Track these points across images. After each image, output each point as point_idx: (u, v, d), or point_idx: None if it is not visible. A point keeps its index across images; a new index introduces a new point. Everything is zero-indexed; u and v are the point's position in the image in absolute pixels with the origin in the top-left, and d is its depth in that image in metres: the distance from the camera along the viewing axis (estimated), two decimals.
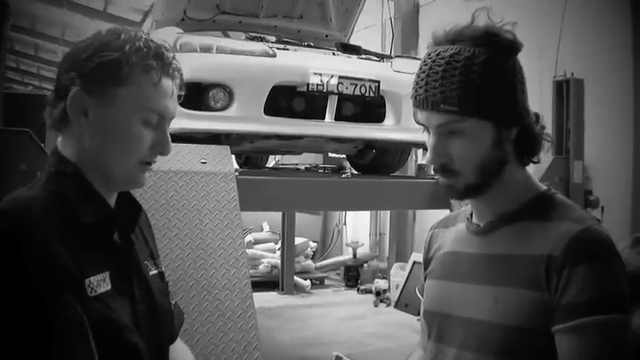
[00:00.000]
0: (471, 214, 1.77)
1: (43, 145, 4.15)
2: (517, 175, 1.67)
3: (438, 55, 1.60)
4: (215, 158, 4.29)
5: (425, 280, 1.89)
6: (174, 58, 1.59)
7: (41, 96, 5.54)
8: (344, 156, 7.38)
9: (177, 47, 4.62)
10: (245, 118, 4.74)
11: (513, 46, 1.61)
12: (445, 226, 1.92)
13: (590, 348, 1.45)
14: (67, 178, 1.53)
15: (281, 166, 9.87)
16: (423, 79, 1.62)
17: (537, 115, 1.69)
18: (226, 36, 5.50)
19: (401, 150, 6.32)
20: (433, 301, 1.80)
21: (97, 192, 1.56)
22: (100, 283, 1.46)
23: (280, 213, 12.12)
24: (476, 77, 1.55)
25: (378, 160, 6.49)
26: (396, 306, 10.30)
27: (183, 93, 1.64)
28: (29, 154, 3.91)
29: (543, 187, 1.71)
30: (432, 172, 1.72)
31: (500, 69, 1.58)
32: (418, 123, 1.67)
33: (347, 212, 14.43)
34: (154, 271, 1.73)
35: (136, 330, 1.54)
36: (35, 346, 1.32)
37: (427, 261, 1.91)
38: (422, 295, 1.91)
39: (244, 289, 3.78)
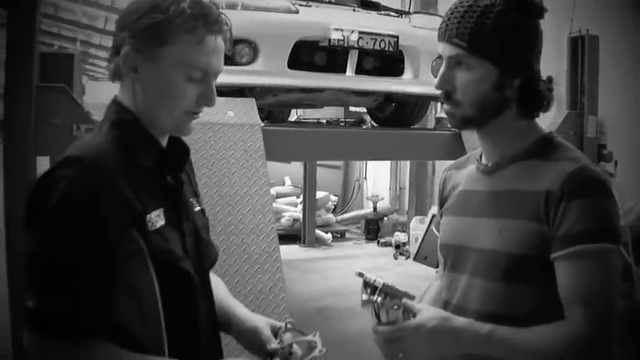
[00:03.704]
0: (481, 156, 1.96)
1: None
2: (520, 122, 1.85)
3: None
4: (241, 110, 4.42)
5: (440, 217, 2.08)
6: (220, 15, 1.72)
7: (69, 55, 5.68)
8: (364, 110, 7.50)
9: None
10: (269, 72, 4.88)
11: (534, 7, 1.78)
12: (457, 168, 2.10)
13: (585, 272, 1.64)
14: (126, 125, 1.69)
15: (303, 121, 9.98)
16: (447, 16, 1.82)
17: (550, 78, 1.86)
18: None
19: (419, 103, 6.43)
20: (448, 235, 1.99)
21: (153, 137, 1.73)
22: (157, 219, 1.65)
23: (302, 168, 12.28)
24: (489, 23, 1.74)
25: (398, 113, 6.61)
26: (415, 258, 10.52)
27: (230, 47, 1.77)
28: (64, 109, 4.05)
29: (545, 131, 1.89)
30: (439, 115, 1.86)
31: (514, 23, 1.75)
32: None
33: (367, 167, 14.56)
34: (198, 208, 1.90)
35: (187, 259, 1.75)
36: (105, 273, 1.52)
37: (442, 200, 2.10)
38: (437, 232, 2.10)
39: (270, 233, 3.97)
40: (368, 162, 14.60)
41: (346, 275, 9.34)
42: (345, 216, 14.10)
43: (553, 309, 1.68)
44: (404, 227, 12.10)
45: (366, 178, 14.88)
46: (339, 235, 13.18)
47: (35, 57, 3.97)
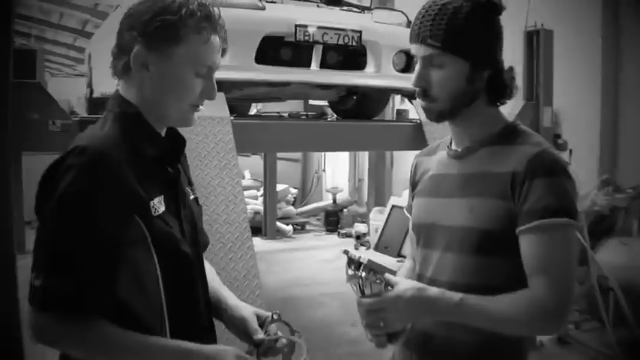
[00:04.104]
0: (450, 143, 2.15)
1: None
2: (489, 109, 2.04)
3: (434, 2, 1.98)
4: (211, 104, 4.51)
5: (413, 199, 2.26)
6: (220, 15, 1.86)
7: (32, 51, 5.70)
8: (325, 103, 7.64)
9: None
10: (237, 66, 4.96)
11: (495, 7, 1.98)
12: (428, 155, 2.29)
13: (547, 243, 1.83)
14: (130, 118, 1.82)
15: (263, 114, 10.06)
16: (419, 19, 2.00)
17: (511, 68, 2.06)
18: None
19: (380, 96, 6.62)
20: (421, 214, 2.17)
21: (155, 130, 1.87)
22: (159, 205, 1.79)
23: (261, 161, 12.38)
24: (459, 24, 1.92)
25: (359, 106, 6.78)
26: (376, 249, 10.65)
27: (226, 46, 1.91)
28: (40, 104, 4.17)
29: (510, 119, 2.09)
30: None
31: (480, 22, 1.95)
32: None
33: (326, 159, 14.71)
34: (192, 196, 2.04)
35: (186, 243, 1.88)
36: (108, 256, 1.65)
37: (414, 184, 2.29)
38: (409, 214, 2.29)
39: (242, 222, 4.12)
40: (326, 155, 14.78)
41: (309, 266, 9.55)
42: (305, 208, 14.26)
43: (521, 280, 1.86)
44: (363, 218, 12.30)
45: (324, 170, 15.05)
46: (299, 227, 13.35)
47: (10, 54, 4.00)
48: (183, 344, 1.72)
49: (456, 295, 1.87)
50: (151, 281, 1.75)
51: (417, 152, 2.40)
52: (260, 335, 1.97)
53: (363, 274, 1.88)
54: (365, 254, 1.92)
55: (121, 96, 1.87)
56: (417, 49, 2.01)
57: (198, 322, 1.93)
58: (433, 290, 1.90)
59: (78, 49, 24.87)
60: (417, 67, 2.01)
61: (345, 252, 1.93)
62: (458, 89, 1.97)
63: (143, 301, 1.73)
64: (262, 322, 2.03)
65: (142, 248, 1.73)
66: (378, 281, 1.88)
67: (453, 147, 2.13)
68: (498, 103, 2.06)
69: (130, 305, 1.70)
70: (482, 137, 2.04)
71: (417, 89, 2.03)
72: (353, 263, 1.91)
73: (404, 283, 1.91)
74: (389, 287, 1.89)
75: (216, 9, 1.85)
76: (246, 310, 2.06)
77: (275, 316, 2.04)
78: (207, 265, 2.11)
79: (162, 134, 1.92)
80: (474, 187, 1.99)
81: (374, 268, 1.89)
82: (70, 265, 1.60)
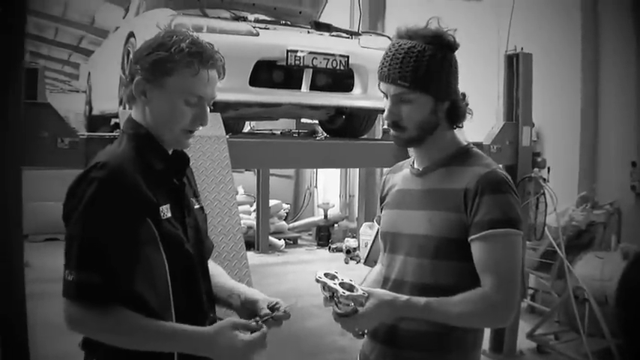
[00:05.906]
0: (413, 162, 2.46)
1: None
2: (446, 134, 2.36)
3: (400, 46, 2.27)
4: (208, 123, 4.78)
5: (381, 211, 2.58)
6: (214, 53, 2.14)
7: (34, 69, 5.92)
8: (316, 121, 7.94)
9: (172, 27, 5.09)
10: (233, 88, 5.25)
11: (452, 46, 2.29)
12: (394, 172, 2.61)
13: (494, 249, 2.15)
14: (141, 138, 2.13)
15: (256, 132, 10.25)
16: (387, 61, 2.29)
17: (464, 94, 2.36)
18: (204, 15, 5.87)
19: (367, 116, 6.90)
20: (388, 224, 2.49)
21: (162, 147, 2.16)
22: (167, 211, 2.08)
23: (254, 177, 12.54)
24: (424, 65, 2.22)
25: (348, 125, 7.07)
26: (366, 262, 10.94)
27: (222, 77, 2.20)
28: (50, 123, 4.35)
29: (464, 142, 2.40)
30: (385, 127, 2.29)
31: (441, 61, 2.25)
32: (382, 92, 2.36)
33: (317, 176, 14.83)
34: (197, 206, 2.33)
35: (189, 245, 2.17)
36: (128, 253, 1.95)
37: (383, 197, 2.60)
38: (379, 224, 2.60)
39: (236, 233, 4.39)
40: (318, 171, 14.97)
41: (302, 279, 9.72)
42: (297, 223, 14.49)
43: (470, 280, 2.18)
44: (354, 233, 12.55)
45: (316, 186, 15.25)
46: (291, 242, 13.59)
47: (22, 75, 4.22)
48: (188, 328, 2.00)
49: (421, 300, 2.16)
50: (160, 276, 2.04)
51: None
52: (265, 311, 2.21)
53: (340, 294, 2.12)
54: (337, 275, 2.20)
55: (133, 119, 2.19)
56: (386, 88, 2.30)
57: (201, 312, 2.20)
58: (400, 301, 2.18)
59: (73, 65, 25.06)
60: (388, 104, 2.31)
61: (317, 280, 2.20)
62: (424, 119, 2.28)
63: (154, 292, 2.02)
64: (272, 308, 2.24)
65: (153, 247, 2.02)
66: (350, 304, 2.13)
67: (416, 166, 2.44)
68: (458, 126, 2.37)
69: (142, 296, 1.99)
70: (440, 158, 2.35)
71: (389, 122, 2.33)
72: (325, 290, 2.18)
73: (372, 298, 2.16)
74: (359, 307, 2.15)
75: (209, 47, 2.15)
76: (258, 294, 2.33)
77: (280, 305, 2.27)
78: (216, 267, 2.45)
79: (170, 152, 2.21)
80: (432, 201, 2.30)
81: (345, 295, 2.12)
82: (97, 262, 1.90)
